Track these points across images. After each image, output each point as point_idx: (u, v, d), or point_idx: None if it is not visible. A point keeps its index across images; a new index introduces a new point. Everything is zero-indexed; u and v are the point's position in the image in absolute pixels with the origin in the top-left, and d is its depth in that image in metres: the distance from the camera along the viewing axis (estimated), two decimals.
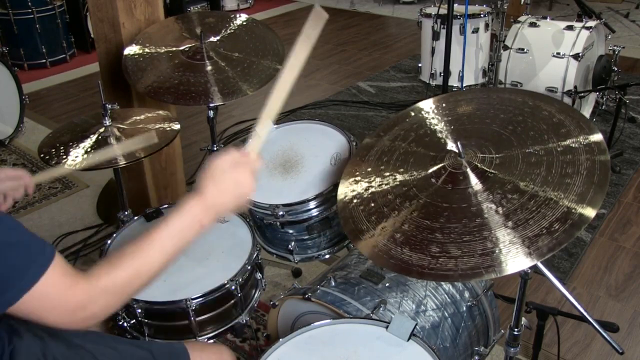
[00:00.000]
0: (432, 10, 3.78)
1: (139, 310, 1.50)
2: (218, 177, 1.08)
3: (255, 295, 1.69)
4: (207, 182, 1.08)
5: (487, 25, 3.75)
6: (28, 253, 0.93)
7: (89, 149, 1.71)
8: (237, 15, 2.34)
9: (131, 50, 2.13)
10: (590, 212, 1.09)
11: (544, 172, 1.19)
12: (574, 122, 1.28)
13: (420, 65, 4.09)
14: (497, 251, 1.09)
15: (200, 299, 1.50)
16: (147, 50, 2.14)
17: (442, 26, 3.64)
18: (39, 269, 0.92)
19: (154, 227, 1.03)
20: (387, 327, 1.28)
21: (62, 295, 0.94)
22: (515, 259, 1.08)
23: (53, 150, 1.74)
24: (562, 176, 1.17)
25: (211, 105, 2.03)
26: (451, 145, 1.35)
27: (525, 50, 3.45)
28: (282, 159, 1.86)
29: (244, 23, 2.30)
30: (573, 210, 1.10)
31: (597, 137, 1.22)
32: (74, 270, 0.97)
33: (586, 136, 1.23)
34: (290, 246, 1.83)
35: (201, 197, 1.06)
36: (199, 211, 1.06)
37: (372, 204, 1.30)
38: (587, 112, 3.63)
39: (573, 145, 1.22)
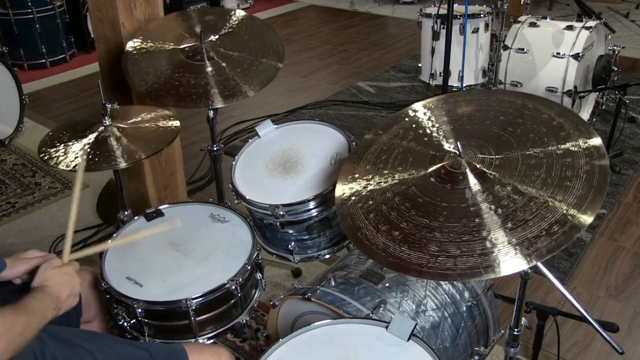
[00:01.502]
0: (432, 10, 3.78)
1: (139, 310, 1.50)
2: (51, 277, 1.26)
3: (255, 295, 1.69)
4: (44, 282, 1.25)
5: (487, 25, 3.75)
6: None
7: (88, 149, 1.71)
8: (236, 12, 2.33)
9: (131, 45, 2.12)
10: (589, 216, 1.09)
11: (543, 175, 1.19)
12: (574, 126, 1.28)
13: (420, 65, 4.09)
14: (496, 251, 1.10)
15: (200, 299, 1.50)
16: (147, 45, 2.13)
17: (442, 26, 3.64)
18: None
19: (17, 307, 1.12)
20: (387, 327, 1.28)
21: None
22: (514, 259, 1.08)
23: (53, 150, 1.73)
24: (562, 179, 1.17)
25: (211, 107, 2.03)
26: (451, 145, 1.35)
27: (525, 50, 3.45)
28: (282, 159, 1.86)
29: (243, 20, 2.28)
30: (572, 213, 1.10)
31: (597, 141, 1.23)
32: None
33: (585, 140, 1.23)
34: (290, 246, 1.83)
35: (45, 292, 1.22)
36: (50, 300, 1.21)
37: (371, 202, 1.31)
38: (587, 112, 3.63)
39: (572, 148, 1.23)
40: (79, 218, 2.92)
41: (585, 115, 3.60)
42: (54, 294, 1.23)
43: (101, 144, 1.73)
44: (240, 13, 2.32)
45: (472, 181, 1.23)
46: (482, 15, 3.70)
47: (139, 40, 2.14)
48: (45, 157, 1.72)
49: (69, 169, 1.68)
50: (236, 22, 2.28)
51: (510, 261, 1.08)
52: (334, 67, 5.00)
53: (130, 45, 2.12)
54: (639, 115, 3.75)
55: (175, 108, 2.38)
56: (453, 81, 3.71)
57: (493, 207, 1.17)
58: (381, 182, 1.35)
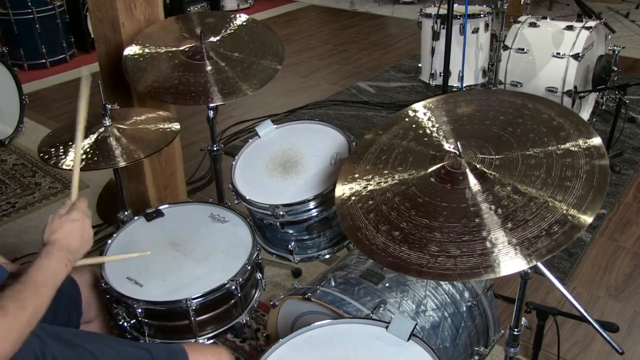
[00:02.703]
0: (432, 10, 3.78)
1: (139, 310, 1.50)
2: (60, 228, 1.20)
3: (255, 295, 1.69)
4: (53, 236, 1.19)
5: (487, 25, 3.75)
6: None
7: (88, 149, 1.71)
8: (237, 16, 2.34)
9: (131, 50, 2.13)
10: (589, 216, 1.09)
11: (543, 175, 1.19)
12: (574, 126, 1.28)
13: (420, 65, 4.09)
14: (496, 251, 1.10)
15: (200, 299, 1.50)
16: (147, 50, 2.14)
17: (442, 26, 3.64)
18: None
19: (30, 270, 1.10)
20: (387, 327, 1.29)
21: None
22: (514, 259, 1.08)
23: (53, 149, 1.73)
24: (562, 179, 1.17)
25: (211, 105, 2.03)
26: (451, 145, 1.35)
27: (525, 50, 3.45)
28: (282, 159, 1.86)
29: (244, 23, 2.30)
30: (572, 213, 1.10)
31: (597, 141, 1.23)
32: None
33: (585, 140, 1.23)
34: (290, 246, 1.83)
35: (55, 246, 1.17)
36: (59, 253, 1.17)
37: (371, 202, 1.31)
38: (587, 112, 3.63)
39: (572, 148, 1.23)
40: None
41: (585, 115, 3.60)
42: (63, 247, 1.18)
43: (101, 144, 1.73)
44: (242, 17, 2.32)
45: (472, 181, 1.23)
46: (482, 15, 3.70)
47: (138, 47, 2.14)
48: (45, 157, 1.72)
49: (68, 168, 1.68)
50: (237, 25, 2.28)
51: (510, 261, 1.08)
52: (334, 67, 5.00)
53: (128, 50, 2.12)
54: (639, 115, 3.75)
55: (175, 108, 2.39)
56: (453, 81, 3.71)
57: (493, 207, 1.17)
58: (381, 182, 1.35)
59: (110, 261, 1.59)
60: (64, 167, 1.67)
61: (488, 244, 1.11)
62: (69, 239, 1.20)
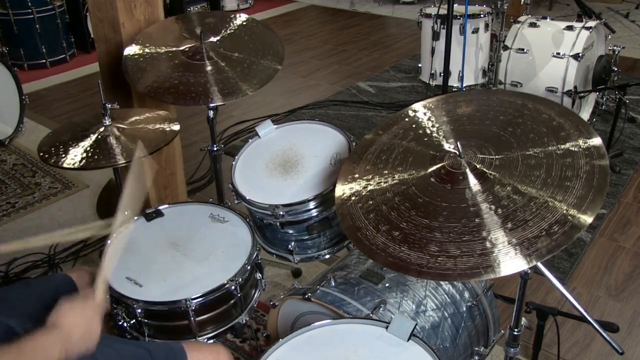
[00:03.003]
0: (432, 10, 3.78)
1: (139, 311, 1.50)
2: (72, 317, 1.16)
3: (255, 296, 1.69)
4: (65, 323, 1.14)
5: (487, 25, 3.75)
6: None
7: (88, 149, 1.71)
8: (237, 16, 2.34)
9: (131, 50, 2.13)
10: (589, 216, 1.09)
11: (543, 175, 1.19)
12: (574, 126, 1.28)
13: (420, 65, 4.09)
14: (496, 251, 1.09)
15: (200, 299, 1.50)
16: (147, 50, 2.14)
17: (442, 26, 3.64)
18: None
19: (18, 343, 1.07)
20: (387, 327, 1.28)
21: None
22: (514, 259, 1.08)
23: (53, 149, 1.74)
24: (562, 179, 1.17)
25: (211, 105, 2.03)
26: (451, 145, 1.35)
27: (525, 50, 3.45)
28: (282, 159, 1.86)
29: (244, 23, 2.30)
30: (572, 213, 1.10)
31: (597, 141, 1.23)
32: None
33: (585, 140, 1.23)
34: (290, 246, 1.83)
35: (59, 332, 1.13)
36: (60, 344, 1.11)
37: (371, 202, 1.31)
38: (587, 112, 3.63)
39: (572, 148, 1.23)
40: (79, 218, 2.93)
41: (585, 115, 3.60)
42: (63, 334, 1.13)
43: (101, 143, 1.73)
44: (241, 17, 2.32)
45: (472, 181, 1.23)
46: (482, 16, 3.70)
47: (138, 47, 2.14)
48: (45, 157, 1.72)
49: (69, 168, 1.68)
50: (237, 25, 2.29)
51: (510, 261, 1.08)
52: (334, 67, 5.00)
53: (128, 50, 2.12)
54: (639, 115, 3.75)
55: (175, 108, 2.39)
56: (453, 81, 3.71)
57: (493, 207, 1.17)
58: (381, 182, 1.35)
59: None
60: (64, 167, 1.67)
61: (488, 244, 1.11)
62: (73, 330, 1.15)
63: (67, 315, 1.16)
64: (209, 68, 2.07)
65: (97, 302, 1.23)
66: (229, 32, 2.25)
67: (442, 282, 1.59)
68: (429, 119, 1.46)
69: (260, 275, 1.70)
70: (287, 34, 5.89)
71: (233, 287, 1.54)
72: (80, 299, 1.21)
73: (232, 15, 2.34)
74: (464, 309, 1.59)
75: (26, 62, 4.97)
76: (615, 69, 3.45)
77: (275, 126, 1.98)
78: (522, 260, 1.08)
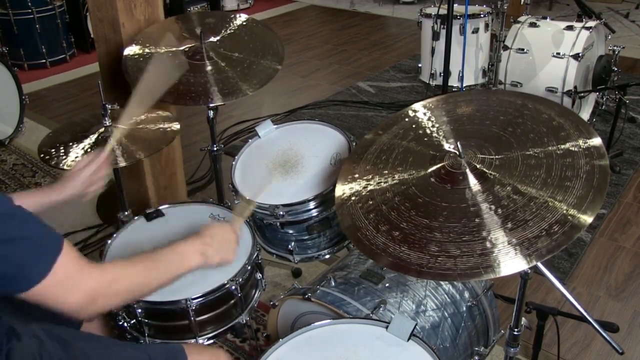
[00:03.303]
0: (432, 10, 3.78)
1: (139, 310, 1.50)
2: (216, 232, 1.36)
3: (255, 296, 1.69)
4: (208, 232, 1.34)
5: (487, 25, 3.75)
6: (39, 246, 1.01)
7: (89, 150, 1.71)
8: (237, 16, 2.34)
9: (131, 50, 2.13)
10: (589, 216, 1.09)
11: (543, 175, 1.19)
12: (574, 126, 1.28)
13: (420, 65, 4.09)
14: (496, 251, 1.10)
15: (200, 299, 1.50)
16: (147, 50, 2.14)
17: (442, 26, 3.64)
18: (47, 261, 1.01)
19: (162, 249, 1.24)
20: (387, 327, 1.28)
21: (74, 280, 1.04)
22: (514, 259, 1.08)
23: (53, 150, 1.74)
24: (562, 179, 1.17)
25: (211, 105, 2.03)
26: (451, 145, 1.35)
27: (525, 50, 3.45)
28: (282, 159, 1.86)
29: (244, 23, 2.30)
30: (572, 213, 1.10)
31: (597, 141, 1.23)
32: (86, 259, 1.08)
33: (585, 140, 1.23)
34: (290, 246, 1.83)
35: (202, 241, 1.31)
36: (197, 251, 1.29)
37: (371, 202, 1.31)
38: (587, 112, 3.63)
39: (572, 148, 1.23)
40: (79, 218, 2.93)
41: (585, 115, 3.60)
42: (202, 241, 1.30)
43: (101, 144, 1.73)
44: (241, 17, 2.32)
45: (472, 181, 1.23)
46: (482, 15, 3.70)
47: (138, 47, 2.14)
48: (46, 158, 1.72)
49: (69, 169, 1.68)
50: (237, 25, 2.29)
51: (510, 261, 1.08)
52: (334, 67, 5.00)
53: (128, 50, 2.12)
54: (639, 115, 3.75)
55: (175, 108, 2.39)
56: (453, 81, 3.71)
57: (493, 207, 1.17)
58: (381, 182, 1.35)
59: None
60: (64, 167, 1.67)
61: (488, 244, 1.11)
62: (213, 237, 1.32)
63: (207, 227, 1.34)
64: (209, 68, 2.07)
65: (238, 226, 1.43)
66: (229, 32, 2.25)
67: (442, 282, 1.59)
68: (429, 119, 1.46)
69: (261, 275, 1.70)
70: (287, 34, 5.89)
71: (233, 287, 1.54)
72: (226, 221, 1.42)
73: (232, 15, 2.34)
74: (464, 309, 1.59)
75: (26, 62, 4.97)
76: (615, 69, 3.45)
77: (275, 126, 1.98)
78: (522, 260, 1.08)
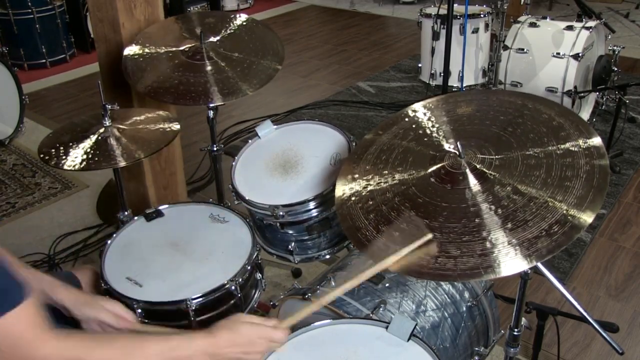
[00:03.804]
0: (432, 10, 3.78)
1: (139, 311, 1.50)
2: (237, 332, 1.10)
3: (255, 296, 1.69)
4: (225, 332, 1.10)
5: (487, 25, 3.75)
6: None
7: (89, 150, 1.71)
8: (237, 16, 2.34)
9: (131, 50, 2.13)
10: (589, 216, 1.09)
11: (543, 175, 1.19)
12: (574, 126, 1.28)
13: (420, 65, 4.09)
14: (496, 252, 1.09)
15: (200, 299, 1.49)
16: (147, 50, 2.14)
17: (442, 26, 3.64)
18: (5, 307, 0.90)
19: (151, 335, 1.02)
20: (387, 327, 1.28)
21: (25, 342, 0.92)
22: (514, 260, 1.08)
23: (53, 150, 1.73)
24: (562, 179, 1.17)
25: (211, 105, 2.03)
26: (451, 145, 1.35)
27: (525, 50, 3.45)
28: (282, 159, 1.86)
29: (244, 23, 2.30)
30: (572, 213, 1.10)
31: (597, 141, 1.23)
32: (49, 328, 0.95)
33: (585, 140, 1.23)
34: (290, 246, 1.83)
35: (213, 340, 1.07)
36: (203, 351, 1.06)
37: (371, 202, 1.31)
38: (587, 112, 3.63)
39: (572, 148, 1.23)
40: (79, 218, 2.93)
41: (585, 115, 3.60)
42: (218, 353, 1.07)
43: (101, 144, 1.73)
44: (241, 17, 2.32)
45: (472, 181, 1.23)
46: (482, 15, 3.70)
47: (138, 47, 2.14)
48: (46, 158, 1.72)
49: (69, 169, 1.68)
50: (237, 25, 2.29)
51: (510, 262, 1.08)
52: (334, 67, 5.00)
53: (128, 50, 2.12)
54: (639, 115, 3.75)
55: (175, 108, 2.39)
56: (453, 81, 3.71)
57: (493, 207, 1.17)
58: (381, 182, 1.35)
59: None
60: (64, 168, 1.67)
61: (488, 245, 1.11)
62: (231, 353, 1.10)
63: (229, 334, 1.09)
64: (209, 68, 2.07)
65: (277, 333, 1.14)
66: (229, 32, 2.25)
67: (442, 282, 1.59)
68: (429, 119, 1.46)
69: (260, 276, 1.70)
70: (287, 34, 5.89)
71: (233, 287, 1.54)
72: (262, 321, 1.13)
73: (232, 15, 2.34)
74: (464, 309, 1.59)
75: (26, 62, 4.97)
76: (615, 69, 3.45)
77: (275, 126, 1.98)
78: (522, 260, 1.08)
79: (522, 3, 3.63)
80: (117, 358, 0.98)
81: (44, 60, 5.02)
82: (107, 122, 1.78)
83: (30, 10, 4.77)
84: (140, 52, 2.13)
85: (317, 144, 1.88)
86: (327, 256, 1.87)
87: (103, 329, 1.30)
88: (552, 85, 3.36)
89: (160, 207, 1.81)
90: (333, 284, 1.53)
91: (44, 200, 3.15)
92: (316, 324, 1.32)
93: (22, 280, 0.94)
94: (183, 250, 1.64)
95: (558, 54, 3.32)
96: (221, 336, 1.08)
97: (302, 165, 1.83)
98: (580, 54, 3.26)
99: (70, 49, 5.23)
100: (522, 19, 3.56)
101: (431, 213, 1.21)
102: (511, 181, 1.20)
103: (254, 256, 1.63)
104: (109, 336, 0.99)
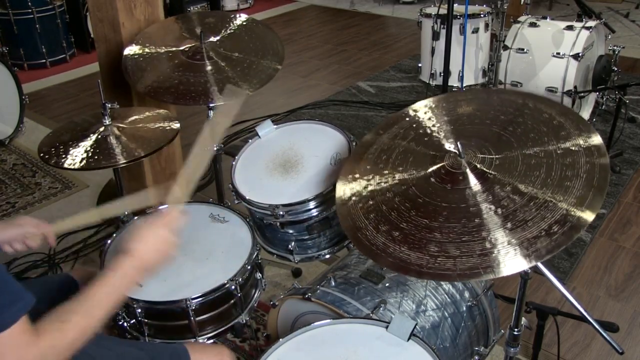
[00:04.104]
0: (432, 10, 3.78)
1: (139, 310, 1.50)
2: (140, 238, 1.19)
3: (255, 295, 1.69)
4: (133, 244, 1.18)
5: (487, 25, 3.75)
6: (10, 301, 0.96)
7: (89, 149, 1.71)
8: (237, 15, 2.34)
9: (131, 50, 2.13)
10: (589, 215, 1.09)
11: (543, 174, 1.19)
12: (574, 125, 1.28)
13: (420, 65, 4.09)
14: (495, 252, 1.09)
15: (200, 298, 1.50)
16: (147, 50, 2.14)
17: (442, 26, 3.64)
18: (12, 317, 0.95)
19: (93, 285, 1.10)
20: (387, 327, 1.28)
21: (18, 352, 0.97)
22: (513, 260, 1.08)
23: (53, 149, 1.74)
24: (562, 179, 1.17)
25: (211, 105, 2.03)
26: (451, 145, 1.35)
27: (525, 50, 3.45)
28: (282, 159, 1.86)
29: (244, 23, 2.30)
30: (572, 213, 1.10)
31: (597, 140, 1.22)
32: (31, 327, 0.99)
33: (586, 139, 1.23)
34: (290, 246, 1.83)
35: (131, 257, 1.16)
36: (131, 270, 1.16)
37: (371, 202, 1.31)
38: (587, 112, 3.63)
39: (573, 148, 1.22)
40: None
41: (585, 115, 3.60)
42: (137, 259, 1.17)
43: (101, 143, 1.73)
44: (241, 17, 2.32)
45: (472, 181, 1.23)
46: (482, 15, 3.70)
47: (138, 47, 2.14)
48: (46, 157, 1.72)
49: (69, 169, 1.68)
50: (237, 25, 2.29)
51: (509, 262, 1.08)
52: (334, 67, 5.00)
53: (128, 50, 2.12)
54: (639, 115, 3.75)
55: (175, 108, 2.39)
56: (453, 81, 3.71)
57: (493, 207, 1.17)
58: (381, 182, 1.34)
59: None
60: (64, 167, 1.67)
61: (488, 244, 1.11)
62: (150, 254, 1.19)
63: (139, 244, 1.18)
64: (209, 68, 2.07)
65: (172, 217, 1.25)
66: (229, 32, 2.25)
67: (442, 282, 1.59)
68: (429, 119, 1.46)
69: (260, 275, 1.70)
70: (287, 34, 5.89)
71: (233, 287, 1.54)
72: (152, 218, 1.23)
73: (232, 15, 2.34)
74: (464, 308, 1.59)
75: (26, 62, 4.97)
76: (615, 68, 3.45)
77: (275, 126, 1.98)
78: (521, 260, 1.08)
79: (522, 3, 3.63)
80: (84, 322, 1.06)
81: (44, 60, 5.02)
82: (107, 121, 1.78)
83: (30, 10, 4.77)
84: (140, 52, 2.13)
85: (317, 143, 1.88)
86: (327, 256, 1.87)
87: (14, 248, 1.38)
88: (552, 85, 3.36)
89: (160, 207, 1.81)
90: (333, 283, 1.53)
91: (44, 200, 3.15)
92: (316, 323, 1.32)
93: (18, 290, 0.98)
94: (183, 250, 1.64)
95: (558, 53, 3.32)
96: (133, 249, 1.17)
97: (303, 164, 1.83)
98: (580, 54, 3.26)
99: (70, 48, 5.23)
100: (522, 19, 3.56)
101: (431, 213, 1.21)
102: (511, 181, 1.20)
103: (254, 256, 1.63)
104: (64, 308, 1.05)
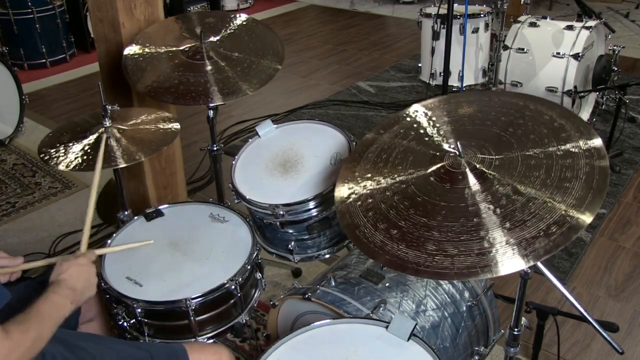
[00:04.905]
0: (432, 10, 3.78)
1: (139, 310, 1.50)
2: (65, 270, 1.28)
3: (255, 295, 1.69)
4: (59, 276, 1.26)
5: (487, 25, 3.76)
6: None
7: (89, 150, 1.71)
8: (237, 15, 2.34)
9: (131, 50, 2.13)
10: (587, 217, 1.09)
11: (543, 175, 1.19)
12: (575, 127, 1.28)
13: (420, 65, 4.09)
14: (493, 251, 1.10)
15: (200, 298, 1.50)
16: (147, 50, 2.14)
17: (442, 26, 3.64)
18: None
19: (38, 304, 1.17)
20: (387, 327, 1.29)
21: None
22: (511, 259, 1.08)
23: (53, 150, 1.73)
24: (561, 180, 1.17)
25: (211, 105, 2.03)
26: (451, 145, 1.35)
27: (525, 50, 3.45)
28: (282, 159, 1.86)
29: (244, 23, 2.30)
30: (571, 214, 1.10)
31: (597, 142, 1.23)
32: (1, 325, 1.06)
33: (586, 141, 1.23)
34: (290, 246, 1.83)
35: (61, 283, 1.24)
36: (67, 293, 1.23)
37: (370, 200, 1.31)
38: (587, 112, 3.63)
39: (573, 149, 1.23)
40: (79, 218, 2.93)
41: (585, 115, 3.60)
42: (69, 286, 1.24)
43: (101, 144, 1.73)
44: (241, 17, 2.32)
45: (472, 181, 1.23)
46: (482, 15, 3.70)
47: (138, 47, 2.14)
48: (46, 158, 1.71)
49: (69, 169, 1.68)
50: (237, 25, 2.29)
51: (507, 261, 1.08)
52: (334, 67, 5.00)
53: (128, 50, 2.12)
54: (639, 115, 3.75)
55: (175, 108, 2.39)
56: (453, 81, 3.71)
57: (492, 207, 1.17)
58: (381, 181, 1.35)
59: (115, 251, 1.64)
60: (64, 167, 1.67)
61: (486, 244, 1.11)
62: (75, 280, 1.27)
63: (66, 269, 1.27)
64: (209, 68, 2.07)
65: (86, 255, 1.36)
66: (229, 32, 2.25)
67: (442, 282, 1.60)
68: (430, 119, 1.46)
69: (260, 275, 1.70)
70: (287, 34, 5.89)
71: (233, 287, 1.54)
72: (71, 256, 1.33)
73: (232, 15, 2.34)
74: (464, 308, 1.59)
75: (26, 62, 4.97)
76: (615, 68, 3.45)
77: (275, 126, 1.98)
78: (519, 260, 1.08)
79: (522, 3, 3.63)
80: (40, 330, 1.12)
81: (44, 60, 5.02)
82: (107, 123, 1.78)
83: (30, 10, 4.77)
84: (140, 52, 2.13)
85: (317, 143, 1.88)
86: (327, 255, 1.87)
87: None
88: (552, 85, 3.36)
89: (160, 207, 1.81)
90: (333, 283, 1.53)
91: (44, 200, 3.15)
92: (316, 323, 1.32)
93: None
94: (183, 250, 1.64)
95: (558, 53, 3.32)
96: (64, 281, 1.25)
97: (303, 164, 1.83)
98: (580, 54, 3.26)
99: (70, 48, 5.24)
100: (522, 18, 3.56)
101: (430, 212, 1.21)
102: (510, 181, 1.20)
103: (254, 256, 1.63)
104: (23, 317, 1.13)
